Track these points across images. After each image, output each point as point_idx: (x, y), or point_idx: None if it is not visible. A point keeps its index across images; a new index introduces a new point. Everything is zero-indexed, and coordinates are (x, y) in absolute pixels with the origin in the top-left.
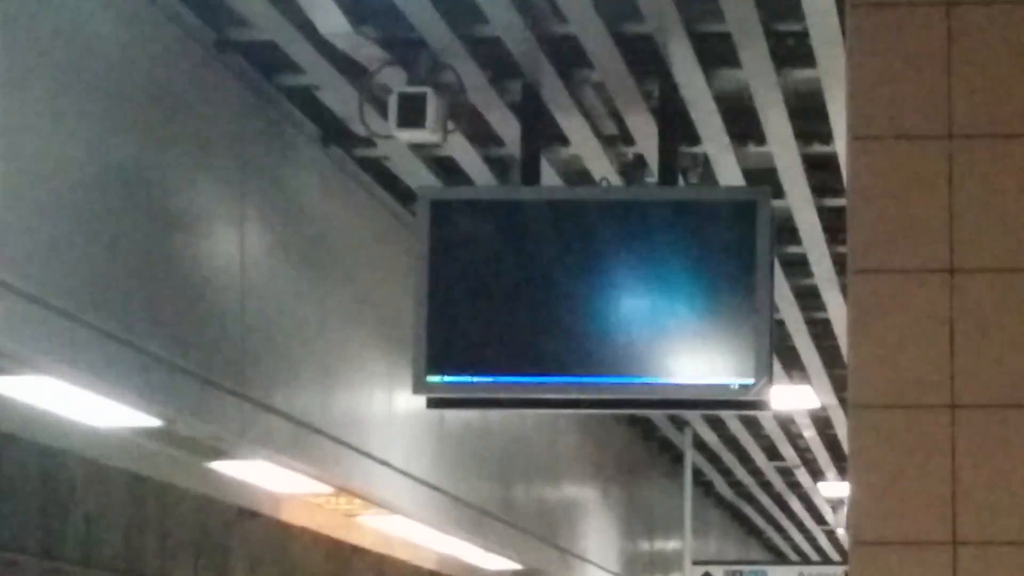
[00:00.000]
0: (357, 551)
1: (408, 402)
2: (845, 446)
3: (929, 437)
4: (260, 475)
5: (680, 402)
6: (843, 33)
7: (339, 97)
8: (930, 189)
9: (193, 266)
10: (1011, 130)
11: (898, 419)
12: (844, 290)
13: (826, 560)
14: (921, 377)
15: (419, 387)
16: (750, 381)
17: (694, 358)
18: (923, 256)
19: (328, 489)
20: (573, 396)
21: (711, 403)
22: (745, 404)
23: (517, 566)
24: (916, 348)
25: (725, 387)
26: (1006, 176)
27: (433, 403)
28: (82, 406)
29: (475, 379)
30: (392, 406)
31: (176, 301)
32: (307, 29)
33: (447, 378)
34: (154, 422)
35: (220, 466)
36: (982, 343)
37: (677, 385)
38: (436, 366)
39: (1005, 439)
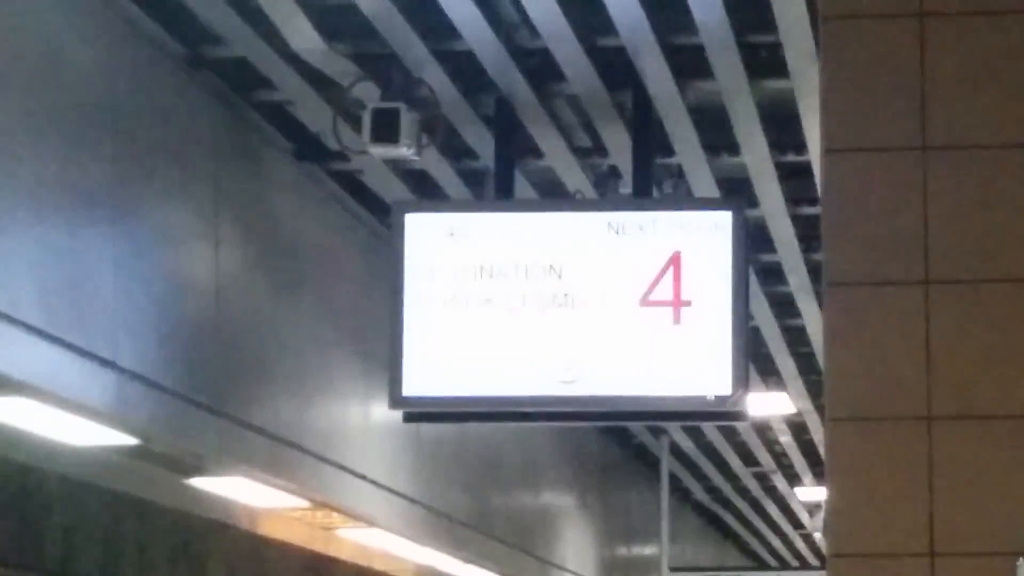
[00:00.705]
0: (335, 563)
1: (385, 415)
2: (821, 451)
3: (906, 449)
4: (237, 490)
5: (657, 414)
6: (816, 44)
7: (312, 112)
8: (905, 201)
9: (168, 283)
10: (985, 141)
11: (875, 431)
12: (819, 297)
13: (804, 565)
14: (897, 389)
15: (395, 402)
16: (726, 393)
17: (670, 370)
18: (898, 268)
19: (306, 503)
20: (550, 409)
21: (688, 415)
22: (722, 415)
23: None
24: (892, 360)
25: (702, 399)
26: (980, 187)
27: (410, 417)
28: (58, 425)
29: (451, 394)
30: (369, 419)
31: (151, 319)
32: (280, 45)
33: (423, 393)
34: (130, 440)
35: (197, 482)
36: (958, 355)
37: (654, 397)
38: (412, 381)
39: (981, 451)
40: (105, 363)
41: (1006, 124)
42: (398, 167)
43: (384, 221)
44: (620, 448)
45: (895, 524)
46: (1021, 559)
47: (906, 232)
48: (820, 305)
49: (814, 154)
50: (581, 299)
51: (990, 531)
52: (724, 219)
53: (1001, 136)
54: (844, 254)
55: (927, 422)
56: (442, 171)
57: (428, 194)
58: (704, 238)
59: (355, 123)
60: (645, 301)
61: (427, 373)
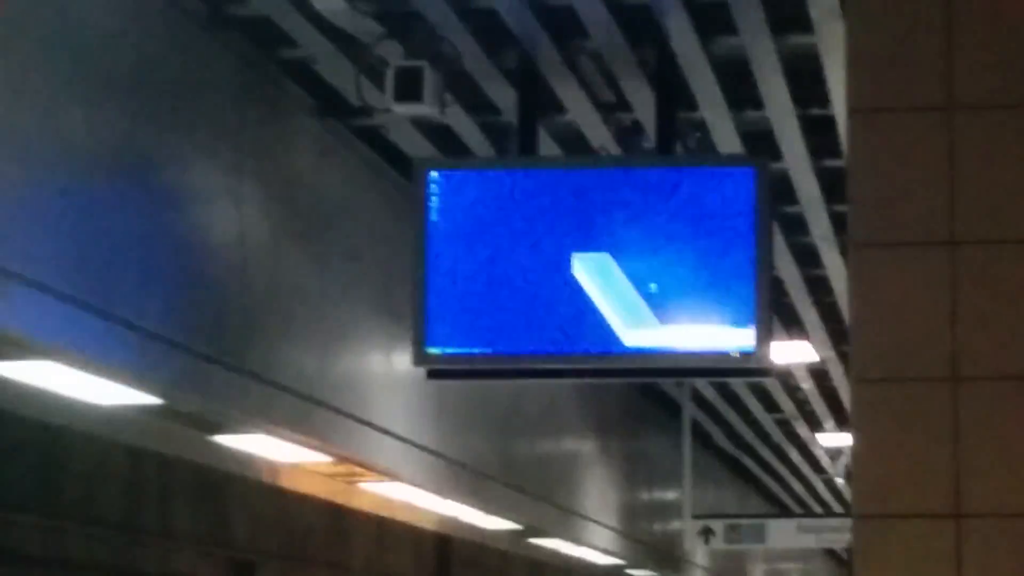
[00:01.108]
0: (357, 515)
1: (408, 370)
2: (843, 398)
3: (932, 410)
4: (260, 447)
5: (681, 370)
6: (840, 1)
7: (336, 70)
8: (931, 161)
9: (191, 242)
10: (1012, 100)
11: (901, 392)
12: (842, 248)
13: (827, 511)
14: (923, 350)
15: (419, 359)
16: (751, 348)
17: (695, 327)
18: (924, 228)
19: (328, 459)
20: (573, 366)
21: (712, 371)
22: (746, 371)
23: (516, 525)
24: (918, 321)
25: (726, 355)
26: (1007, 146)
27: (433, 374)
28: (84, 386)
29: (475, 350)
30: (392, 374)
31: (175, 278)
32: (302, 4)
33: (446, 349)
34: (154, 399)
35: (221, 439)
36: (984, 315)
37: (678, 353)
38: (435, 338)
39: (1007, 411)
40: (128, 324)
41: None
42: (421, 123)
43: (407, 176)
44: (641, 395)
45: (921, 484)
46: None
47: (932, 192)
48: (843, 255)
49: (837, 108)
50: (605, 255)
51: (1016, 492)
52: (747, 175)
53: None
54: (870, 214)
55: (953, 383)
56: (465, 127)
57: (452, 150)
58: (727, 194)
59: (378, 81)
60: (670, 256)
61: (451, 330)
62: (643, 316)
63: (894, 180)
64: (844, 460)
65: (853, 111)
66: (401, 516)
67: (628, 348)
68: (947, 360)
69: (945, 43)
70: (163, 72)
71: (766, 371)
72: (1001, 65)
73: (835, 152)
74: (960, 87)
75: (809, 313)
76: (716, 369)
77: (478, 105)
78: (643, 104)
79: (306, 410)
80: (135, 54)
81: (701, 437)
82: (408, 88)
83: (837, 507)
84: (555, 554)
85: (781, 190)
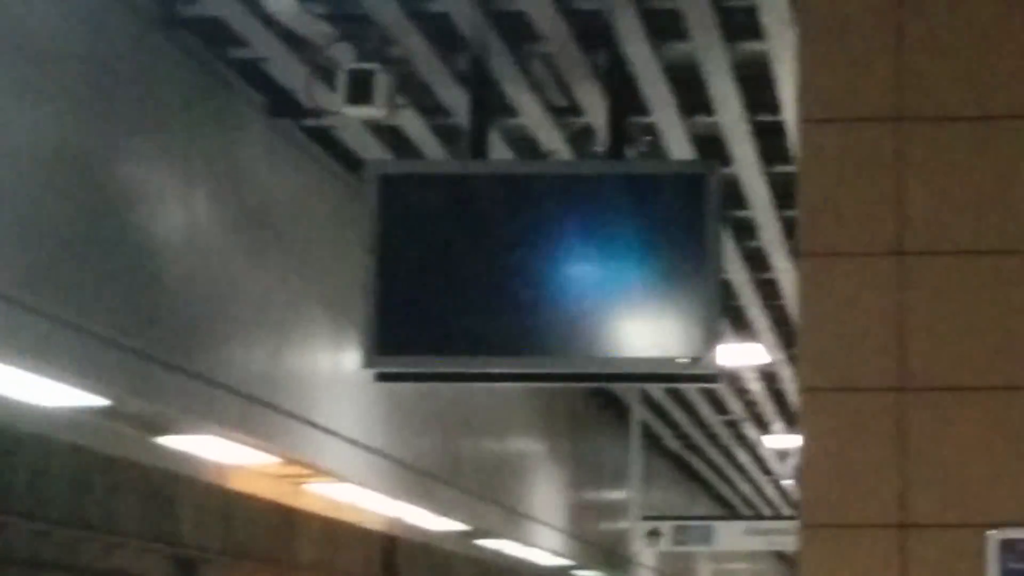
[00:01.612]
0: (304, 516)
1: (356, 371)
2: (792, 400)
3: (878, 420)
4: (207, 448)
5: (629, 376)
6: (792, 7)
7: (287, 70)
8: (879, 172)
9: (140, 242)
10: (960, 112)
11: (847, 402)
12: (792, 253)
13: (776, 513)
14: (871, 360)
15: (368, 362)
16: (698, 355)
17: (642, 332)
18: (872, 239)
19: (276, 460)
20: (521, 371)
21: (660, 377)
22: (694, 378)
23: (464, 526)
24: (866, 331)
25: (673, 361)
26: (956, 158)
27: (382, 377)
28: (28, 387)
29: (423, 354)
30: (340, 375)
31: (122, 279)
32: (254, 4)
33: (396, 352)
34: (100, 400)
35: (167, 440)
36: (931, 326)
37: (626, 359)
38: (385, 340)
39: (953, 421)
40: (75, 325)
41: (982, 94)
42: (372, 125)
43: (359, 178)
44: (591, 396)
45: (867, 495)
46: (992, 531)
47: (881, 203)
48: (793, 260)
49: (788, 114)
50: (556, 260)
51: (961, 503)
52: (698, 180)
53: (976, 106)
54: (818, 223)
55: (899, 393)
56: (417, 129)
57: (403, 152)
58: (678, 199)
59: (330, 82)
60: (619, 263)
61: (400, 333)
62: (591, 320)
63: (843, 190)
64: (792, 462)
65: (803, 120)
66: (348, 517)
67: (575, 353)
68: (894, 370)
69: (895, 55)
70: (113, 71)
71: (714, 377)
72: (951, 78)
73: (786, 158)
74: (909, 99)
75: (759, 316)
76: (664, 375)
77: (430, 108)
78: (594, 108)
79: (253, 411)
80: (85, 53)
81: (650, 438)
82: (359, 90)
83: (785, 509)
84: (502, 555)
85: (732, 195)
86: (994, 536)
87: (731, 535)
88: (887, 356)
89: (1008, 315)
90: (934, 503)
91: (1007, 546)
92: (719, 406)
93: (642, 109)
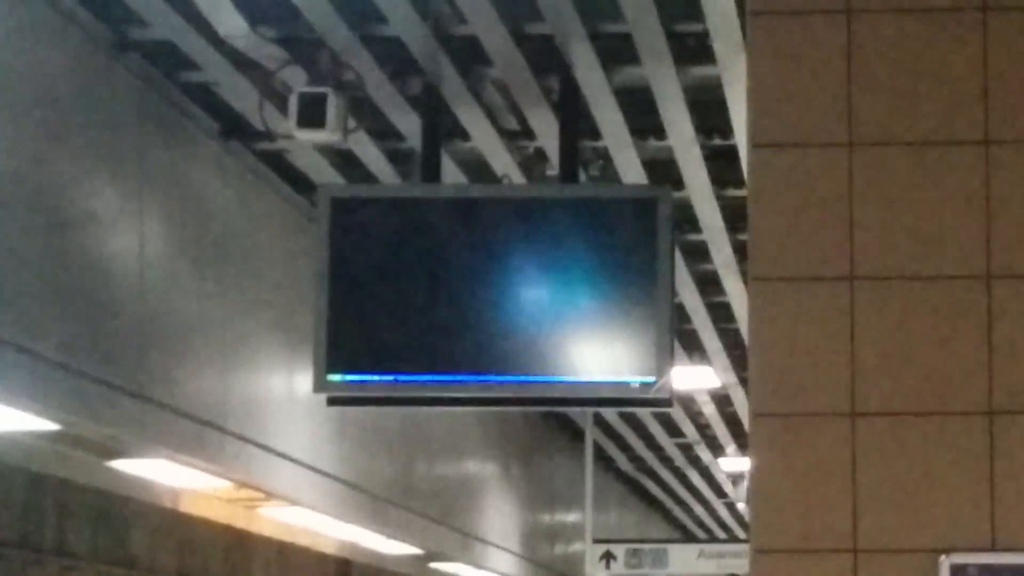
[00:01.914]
0: (257, 539)
1: (308, 394)
2: (745, 423)
3: (829, 445)
4: (160, 472)
5: (582, 400)
6: (743, 33)
7: (239, 93)
8: (831, 197)
9: (91, 266)
10: (910, 138)
11: (799, 427)
12: (744, 276)
13: (730, 535)
14: (821, 385)
15: (320, 386)
16: (651, 379)
17: (595, 356)
18: (823, 264)
19: (228, 484)
20: (474, 395)
21: (613, 401)
22: (647, 402)
23: (418, 550)
24: (816, 356)
25: (626, 385)
26: (906, 184)
27: (333, 401)
28: None
29: (376, 378)
30: (292, 399)
31: (74, 303)
32: (206, 28)
33: (348, 376)
34: (52, 425)
35: (119, 464)
36: (881, 351)
37: (578, 383)
38: (336, 364)
39: (904, 447)
40: (26, 348)
41: (930, 121)
42: (325, 149)
43: (310, 200)
44: (544, 420)
45: (818, 520)
46: (943, 556)
47: (831, 228)
48: (745, 283)
49: (740, 138)
50: (508, 283)
51: (913, 528)
52: (650, 204)
53: (926, 132)
54: (770, 249)
55: (851, 418)
56: (369, 153)
57: (355, 175)
58: (630, 223)
59: (282, 106)
60: (572, 287)
61: (352, 357)
62: (544, 344)
63: (794, 215)
64: (745, 484)
65: (754, 145)
66: (302, 540)
67: (529, 377)
68: (845, 395)
69: (845, 80)
70: (65, 94)
71: (667, 401)
72: (901, 103)
73: (738, 182)
74: (859, 124)
75: (711, 340)
76: (617, 399)
77: (382, 131)
78: (547, 132)
79: (205, 435)
80: (36, 76)
81: (603, 461)
82: (311, 114)
83: (740, 532)
84: None
85: (684, 219)
86: (946, 561)
87: (685, 558)
88: (837, 381)
89: (957, 340)
90: (886, 528)
91: (958, 571)
92: (672, 429)
93: (594, 133)
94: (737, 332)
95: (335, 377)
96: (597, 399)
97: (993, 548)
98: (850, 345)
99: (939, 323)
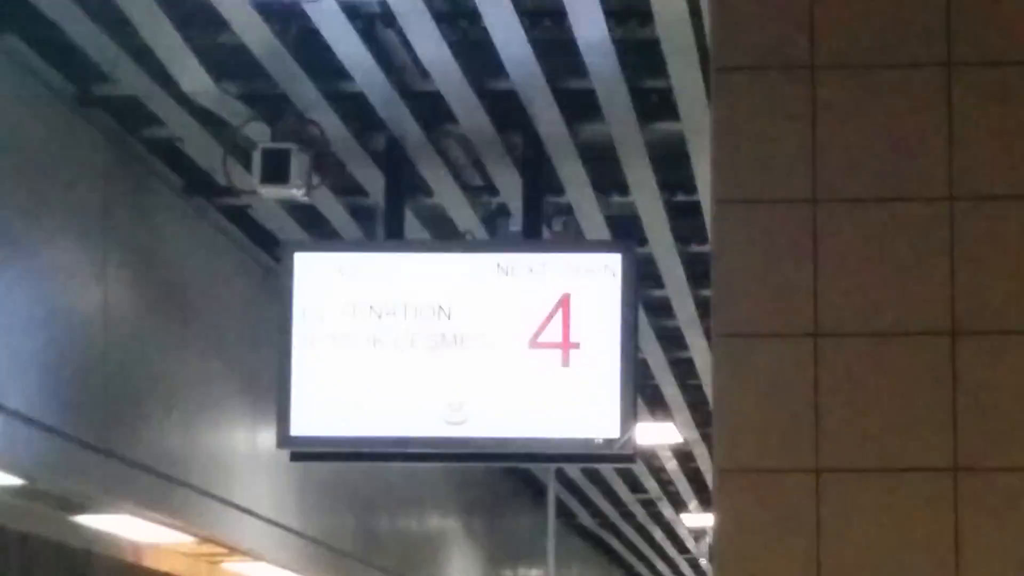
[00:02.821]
0: None
1: (271, 449)
2: (707, 479)
3: (794, 501)
4: (123, 527)
5: (546, 456)
6: (707, 89)
7: (202, 148)
8: (795, 253)
9: (54, 321)
10: (874, 194)
11: (763, 483)
12: (707, 332)
13: None
14: (786, 441)
15: (283, 441)
16: (615, 435)
17: (559, 413)
18: (788, 320)
19: (191, 539)
20: (437, 451)
21: (576, 457)
22: (611, 458)
23: None
24: (781, 412)
25: (590, 441)
26: (870, 241)
27: (297, 456)
28: None
29: (338, 433)
30: (255, 454)
31: (37, 357)
32: (169, 85)
33: (310, 432)
34: (15, 480)
35: (83, 519)
36: (846, 407)
37: (542, 439)
38: (299, 420)
39: (869, 504)
40: None
41: (895, 179)
42: (288, 204)
43: (274, 256)
44: (506, 474)
45: (783, 574)
46: None
47: (796, 284)
48: (708, 339)
49: (703, 194)
50: (470, 340)
51: None
52: (613, 261)
53: (890, 190)
54: (734, 305)
55: (815, 474)
56: (332, 208)
57: (318, 230)
58: (593, 281)
59: (246, 161)
60: (534, 343)
61: (315, 413)
62: (507, 400)
63: (758, 271)
64: (708, 540)
65: (718, 200)
66: None
67: (491, 434)
68: (809, 451)
69: (810, 136)
70: (28, 149)
71: (630, 457)
72: (865, 159)
73: (701, 238)
74: (824, 180)
75: (674, 395)
76: (580, 455)
77: (345, 187)
78: (510, 188)
79: (168, 490)
80: (0, 131)
81: (566, 516)
82: (275, 169)
83: None
84: None
85: (647, 275)
86: None
87: None
88: (802, 438)
89: (922, 397)
90: None
91: None
92: (635, 485)
93: (558, 189)
94: (700, 388)
95: (298, 432)
96: (561, 455)
97: None
98: (814, 401)
99: (904, 380)
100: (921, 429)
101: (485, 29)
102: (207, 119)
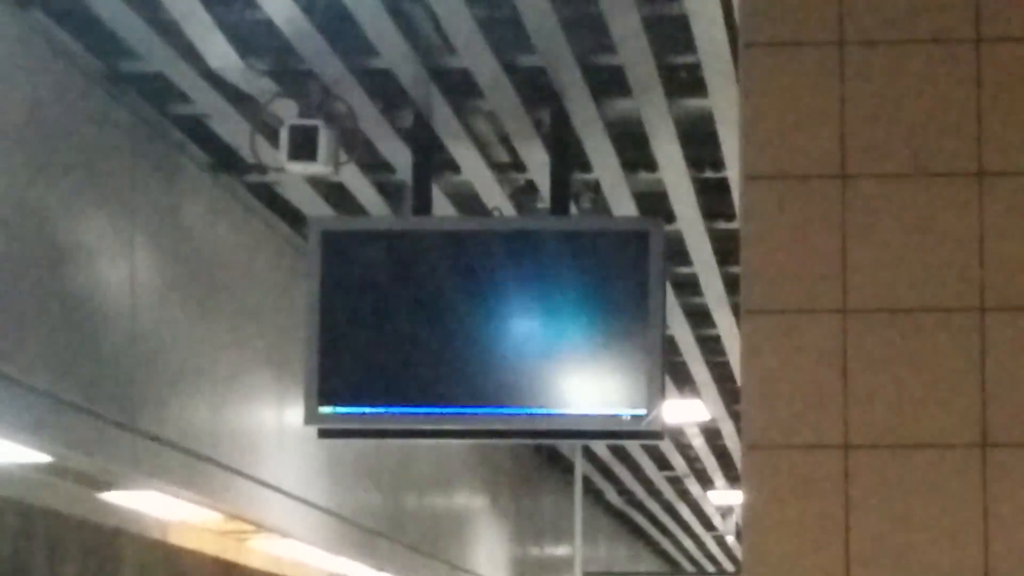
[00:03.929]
0: (246, 571)
1: (299, 426)
2: (734, 456)
3: (823, 478)
4: (150, 504)
5: (573, 432)
6: (735, 65)
7: (230, 126)
8: (824, 229)
9: (82, 298)
10: (903, 169)
11: (792, 460)
12: (735, 309)
13: (719, 569)
14: (814, 418)
15: (311, 418)
16: (642, 412)
17: (586, 389)
18: (816, 296)
19: (219, 516)
20: (465, 427)
21: (603, 434)
22: (638, 435)
23: None
24: (809, 389)
25: (617, 418)
26: (900, 215)
27: (325, 434)
28: None
29: (367, 410)
30: (283, 431)
31: (65, 335)
32: (197, 62)
33: (339, 409)
34: (44, 457)
35: (110, 496)
36: (875, 384)
37: (570, 416)
38: (328, 397)
39: (898, 480)
40: (17, 381)
41: (923, 152)
42: (316, 181)
43: (301, 233)
44: (533, 452)
45: (811, 553)
46: None
47: (825, 260)
48: (735, 316)
49: (732, 170)
50: (499, 315)
51: (907, 561)
52: (642, 237)
53: (919, 164)
54: (762, 281)
55: (844, 450)
56: (359, 185)
57: (346, 207)
58: (621, 256)
59: (273, 138)
60: (563, 319)
61: (343, 389)
62: (535, 377)
63: (787, 247)
64: (735, 518)
65: (747, 177)
66: (291, 572)
67: (519, 410)
68: (839, 428)
69: (839, 111)
70: (55, 127)
71: (658, 434)
72: (894, 134)
73: (729, 215)
74: (852, 156)
75: (701, 373)
76: (608, 432)
77: (373, 164)
78: (538, 165)
79: (196, 467)
80: (27, 108)
81: (593, 494)
82: (302, 146)
83: (729, 565)
84: None
85: (675, 252)
86: None
87: None
88: (830, 414)
89: (951, 373)
90: (879, 561)
91: None
92: (662, 462)
93: (585, 166)
94: (727, 365)
95: (326, 409)
96: (588, 432)
97: None
98: (843, 377)
99: (933, 356)
100: (950, 405)
101: (513, 5)
102: (234, 96)
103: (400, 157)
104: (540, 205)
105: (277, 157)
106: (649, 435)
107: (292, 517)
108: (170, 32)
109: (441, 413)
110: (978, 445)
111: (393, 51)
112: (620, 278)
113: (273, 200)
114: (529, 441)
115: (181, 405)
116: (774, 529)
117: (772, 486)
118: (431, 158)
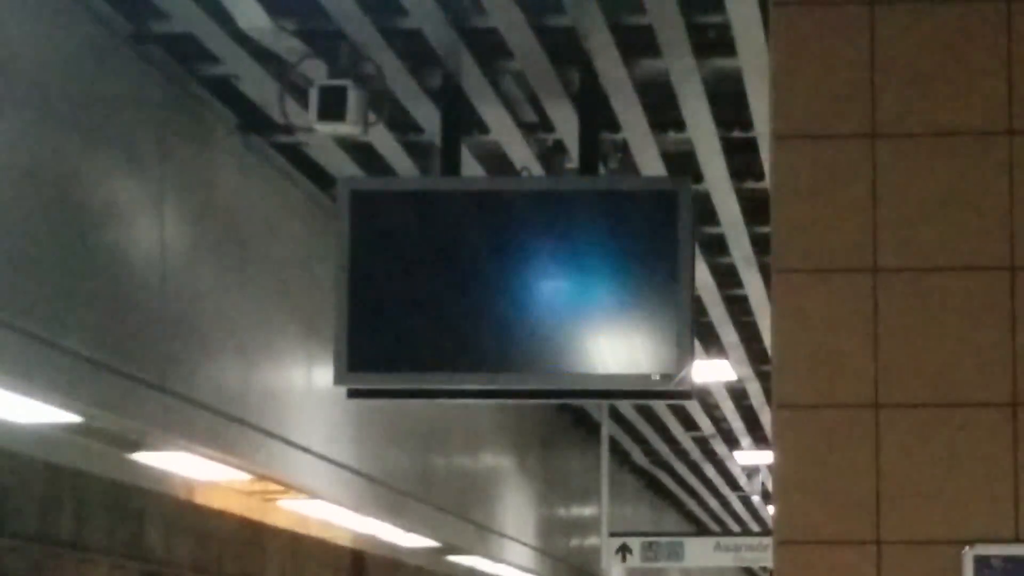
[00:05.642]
0: (274, 531)
1: (328, 387)
2: (760, 417)
3: (853, 436)
4: (178, 465)
5: (603, 393)
6: (764, 25)
7: (259, 86)
8: (854, 188)
9: (113, 259)
10: (934, 128)
11: (823, 418)
12: (762, 269)
13: (744, 529)
14: (845, 376)
15: (340, 378)
16: (671, 371)
17: (615, 349)
18: (846, 255)
19: (247, 476)
20: (494, 387)
21: (633, 393)
22: (667, 394)
23: (434, 543)
24: (840, 348)
25: (647, 377)
26: (929, 174)
27: (354, 394)
28: (2, 404)
29: (396, 371)
30: (312, 392)
31: (96, 296)
32: (226, 21)
33: (368, 369)
34: (74, 418)
35: (139, 456)
36: (905, 343)
37: (599, 375)
38: (357, 357)
39: (928, 438)
40: (47, 342)
41: (954, 111)
42: (344, 142)
43: (330, 193)
44: (560, 413)
45: (842, 511)
46: (967, 548)
47: (854, 219)
48: (763, 276)
49: (760, 130)
50: (527, 275)
51: (937, 519)
52: (670, 197)
53: (949, 124)
54: (792, 241)
55: (874, 409)
56: (388, 145)
57: (374, 168)
58: (650, 216)
59: (302, 99)
60: (592, 280)
61: (373, 349)
62: (565, 337)
63: (817, 207)
64: (761, 478)
65: (777, 137)
66: (318, 533)
67: (548, 370)
68: (869, 387)
69: (869, 71)
70: (85, 87)
71: (687, 394)
72: (924, 94)
73: (757, 174)
74: (884, 115)
75: (728, 333)
76: (637, 392)
77: (401, 124)
78: (566, 124)
79: (225, 428)
80: (56, 70)
81: (619, 455)
82: (331, 107)
83: (754, 525)
84: (472, 571)
85: (703, 211)
86: (969, 553)
87: (701, 551)
88: (862, 372)
89: (981, 332)
90: (909, 520)
91: (982, 562)
92: (688, 422)
93: (613, 125)
94: (754, 325)
95: (355, 370)
96: (618, 392)
97: (1017, 539)
98: (874, 337)
99: (963, 314)
100: (980, 365)
101: None
102: (263, 56)
103: (429, 117)
104: (568, 165)
105: (306, 117)
106: (678, 395)
107: (321, 478)
108: None
109: (470, 374)
110: (1008, 404)
111: (422, 11)
112: (648, 238)
113: (301, 161)
114: (559, 401)
115: (210, 365)
116: (805, 487)
117: (803, 445)
118: (460, 118)
